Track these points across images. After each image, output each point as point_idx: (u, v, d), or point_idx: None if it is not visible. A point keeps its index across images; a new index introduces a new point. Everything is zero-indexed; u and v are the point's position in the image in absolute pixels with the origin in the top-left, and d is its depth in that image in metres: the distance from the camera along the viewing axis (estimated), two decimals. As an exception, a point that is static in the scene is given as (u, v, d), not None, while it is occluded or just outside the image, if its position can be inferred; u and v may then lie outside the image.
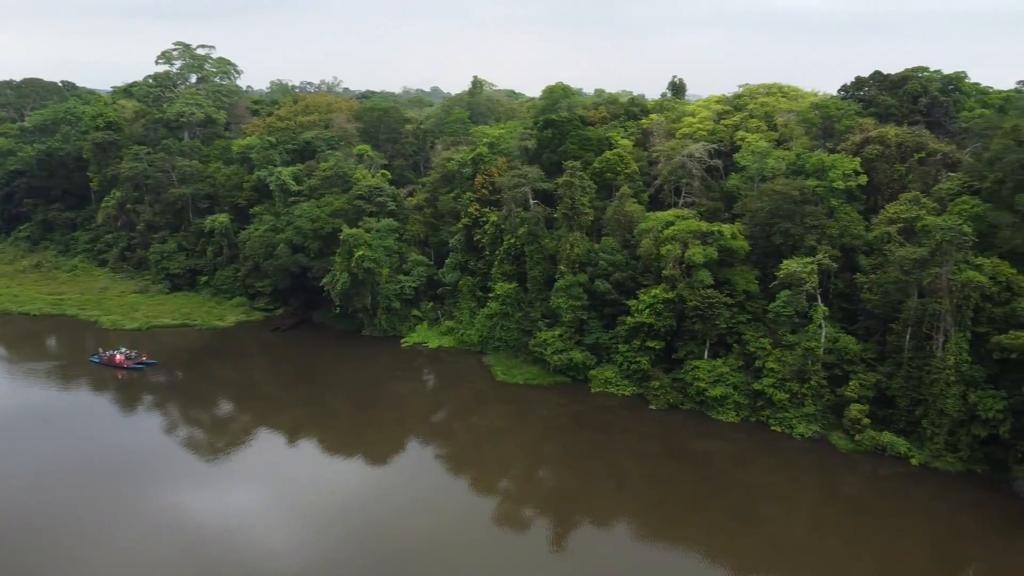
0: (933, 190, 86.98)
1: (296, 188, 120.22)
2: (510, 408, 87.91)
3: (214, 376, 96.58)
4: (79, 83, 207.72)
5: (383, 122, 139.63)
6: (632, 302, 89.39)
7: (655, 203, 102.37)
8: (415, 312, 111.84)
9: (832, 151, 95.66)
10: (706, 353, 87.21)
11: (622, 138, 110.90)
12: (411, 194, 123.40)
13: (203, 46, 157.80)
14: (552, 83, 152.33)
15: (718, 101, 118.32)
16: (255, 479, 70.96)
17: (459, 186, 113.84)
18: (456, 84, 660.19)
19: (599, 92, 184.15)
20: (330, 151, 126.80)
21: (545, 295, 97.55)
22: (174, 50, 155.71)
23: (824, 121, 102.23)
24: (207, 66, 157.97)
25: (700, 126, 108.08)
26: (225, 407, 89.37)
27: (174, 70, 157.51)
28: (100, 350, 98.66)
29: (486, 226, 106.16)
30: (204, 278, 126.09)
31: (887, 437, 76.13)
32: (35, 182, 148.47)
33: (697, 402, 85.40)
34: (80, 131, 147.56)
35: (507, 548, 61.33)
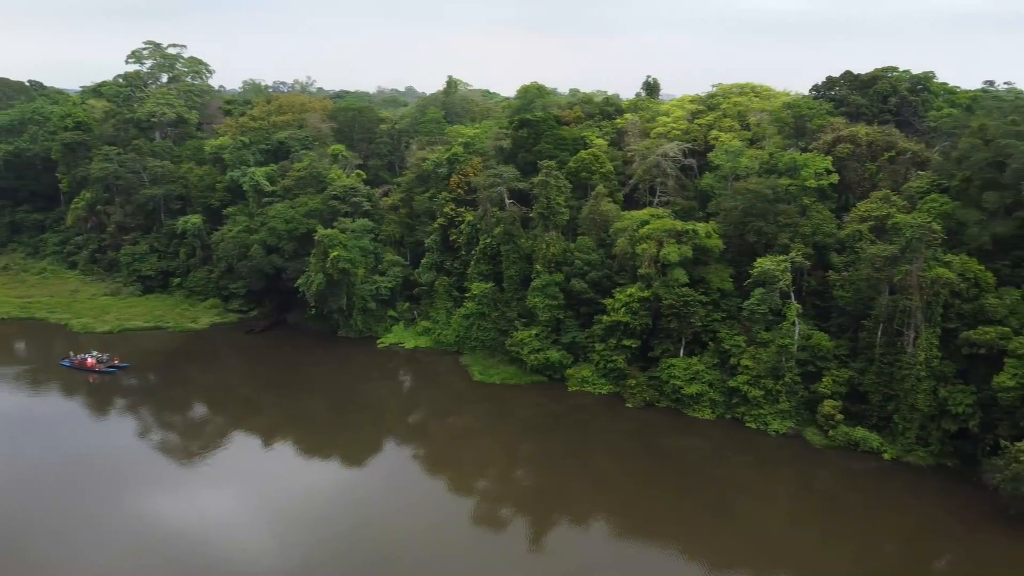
0: (903, 188, 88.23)
1: (270, 188, 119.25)
2: (487, 408, 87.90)
3: (188, 379, 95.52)
4: (47, 83, 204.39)
5: (357, 122, 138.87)
6: (608, 301, 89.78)
7: (630, 202, 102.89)
8: (391, 313, 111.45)
9: (804, 150, 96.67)
10: (682, 351, 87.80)
11: (597, 138, 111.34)
12: (386, 194, 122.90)
13: (174, 45, 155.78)
14: (527, 83, 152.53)
15: (692, 101, 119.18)
16: (230, 483, 70.28)
17: (434, 186, 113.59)
18: (431, 84, 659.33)
19: (574, 92, 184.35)
20: (304, 151, 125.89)
21: (521, 295, 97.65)
22: (144, 49, 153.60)
23: (796, 120, 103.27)
24: (178, 65, 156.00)
25: (674, 125, 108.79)
26: (199, 410, 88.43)
27: (145, 69, 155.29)
28: (71, 354, 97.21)
29: (462, 226, 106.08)
30: (177, 280, 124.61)
31: (860, 432, 77.14)
32: (2, 183, 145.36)
33: (673, 400, 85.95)
34: (48, 131, 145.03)
35: (486, 548, 61.32)
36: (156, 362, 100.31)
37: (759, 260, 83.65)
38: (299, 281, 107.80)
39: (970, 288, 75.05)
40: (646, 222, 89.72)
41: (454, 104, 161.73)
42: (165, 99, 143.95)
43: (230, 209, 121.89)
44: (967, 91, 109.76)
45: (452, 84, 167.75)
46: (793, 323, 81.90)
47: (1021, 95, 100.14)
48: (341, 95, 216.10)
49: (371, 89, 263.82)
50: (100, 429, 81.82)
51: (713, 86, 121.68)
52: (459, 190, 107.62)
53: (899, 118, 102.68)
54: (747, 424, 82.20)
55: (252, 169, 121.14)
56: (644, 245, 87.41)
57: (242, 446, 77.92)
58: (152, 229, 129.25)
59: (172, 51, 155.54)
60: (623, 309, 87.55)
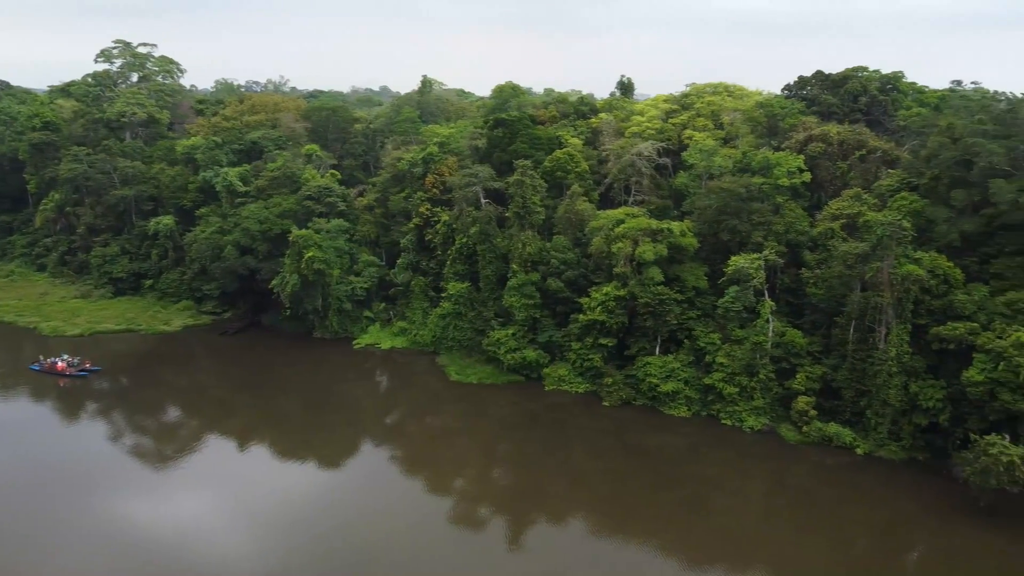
0: (874, 186, 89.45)
1: (243, 189, 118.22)
2: (464, 408, 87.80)
3: (161, 382, 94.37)
4: (14, 82, 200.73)
5: (331, 121, 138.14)
6: (584, 300, 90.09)
7: (605, 201, 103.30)
8: (367, 313, 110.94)
9: (777, 149, 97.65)
10: (657, 349, 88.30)
11: (572, 137, 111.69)
12: (361, 194, 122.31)
13: (144, 44, 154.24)
14: (501, 82, 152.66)
15: (666, 100, 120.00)
16: (205, 486, 69.53)
17: (410, 186, 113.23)
18: (405, 83, 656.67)
19: (548, 91, 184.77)
20: (278, 151, 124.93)
21: (498, 294, 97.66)
22: (114, 48, 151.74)
23: (769, 120, 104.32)
24: (149, 65, 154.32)
25: (649, 125, 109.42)
26: (173, 413, 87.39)
27: (114, 69, 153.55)
28: (40, 357, 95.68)
29: (437, 226, 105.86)
30: (149, 282, 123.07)
31: (833, 428, 78.08)
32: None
33: (649, 398, 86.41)
34: (15, 131, 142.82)
35: (464, 548, 61.24)
36: (128, 365, 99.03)
37: (733, 258, 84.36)
38: (274, 282, 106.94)
39: (939, 284, 76.26)
40: (621, 221, 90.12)
41: (429, 104, 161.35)
42: (135, 99, 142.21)
43: (203, 210, 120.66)
44: (935, 91, 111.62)
45: (427, 83, 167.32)
46: (767, 320, 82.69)
47: (987, 95, 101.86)
48: (315, 95, 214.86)
49: (345, 88, 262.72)
50: (71, 434, 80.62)
51: (687, 86, 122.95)
52: (434, 190, 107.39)
53: (869, 117, 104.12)
54: (722, 421, 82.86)
55: (225, 169, 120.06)
56: (619, 244, 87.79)
57: (217, 449, 77.15)
58: (123, 230, 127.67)
59: (142, 50, 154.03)
60: (599, 308, 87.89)
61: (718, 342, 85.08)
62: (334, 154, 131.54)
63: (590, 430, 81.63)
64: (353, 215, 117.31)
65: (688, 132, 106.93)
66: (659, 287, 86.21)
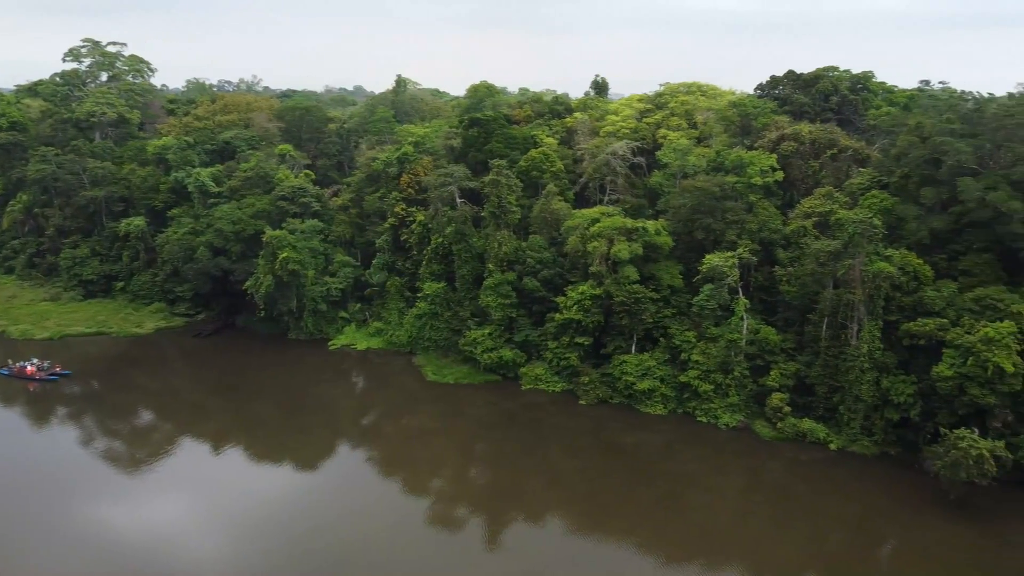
0: (845, 185, 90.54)
1: (216, 189, 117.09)
2: (441, 408, 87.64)
3: (133, 385, 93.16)
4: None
5: (305, 121, 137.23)
6: (560, 299, 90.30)
7: (580, 200, 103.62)
8: (342, 314, 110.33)
9: (750, 148, 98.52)
10: (633, 347, 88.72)
11: (547, 136, 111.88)
12: (336, 194, 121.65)
13: (114, 43, 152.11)
14: (476, 82, 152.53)
15: (640, 100, 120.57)
16: (180, 489, 68.71)
17: (385, 186, 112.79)
18: (379, 83, 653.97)
19: (523, 91, 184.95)
20: (251, 151, 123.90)
21: (474, 294, 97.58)
22: (83, 47, 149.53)
23: (742, 119, 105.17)
24: (118, 64, 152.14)
25: (623, 124, 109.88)
26: (146, 417, 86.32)
27: (83, 68, 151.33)
28: (9, 362, 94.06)
29: (413, 225, 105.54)
30: (120, 284, 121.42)
31: (807, 424, 78.95)
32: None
33: (626, 396, 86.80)
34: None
35: (442, 548, 61.12)
36: (99, 369, 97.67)
37: (708, 256, 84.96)
38: (247, 283, 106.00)
39: (910, 281, 77.39)
40: (597, 220, 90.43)
41: (403, 103, 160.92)
42: (105, 98, 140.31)
43: (175, 211, 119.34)
44: (904, 91, 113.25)
45: (401, 83, 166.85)
46: (741, 318, 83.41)
47: (955, 95, 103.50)
48: (288, 94, 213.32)
49: (319, 88, 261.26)
50: (41, 438, 79.37)
51: (661, 85, 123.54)
52: (410, 190, 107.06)
53: (840, 116, 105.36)
54: (698, 418, 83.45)
55: (197, 170, 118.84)
56: (595, 243, 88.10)
57: (191, 452, 76.32)
58: (93, 232, 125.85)
59: (112, 49, 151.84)
60: (575, 307, 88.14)
61: (693, 340, 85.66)
62: (308, 154, 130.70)
63: (567, 429, 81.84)
64: (328, 215, 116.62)
65: (662, 131, 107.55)
66: (634, 286, 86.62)
